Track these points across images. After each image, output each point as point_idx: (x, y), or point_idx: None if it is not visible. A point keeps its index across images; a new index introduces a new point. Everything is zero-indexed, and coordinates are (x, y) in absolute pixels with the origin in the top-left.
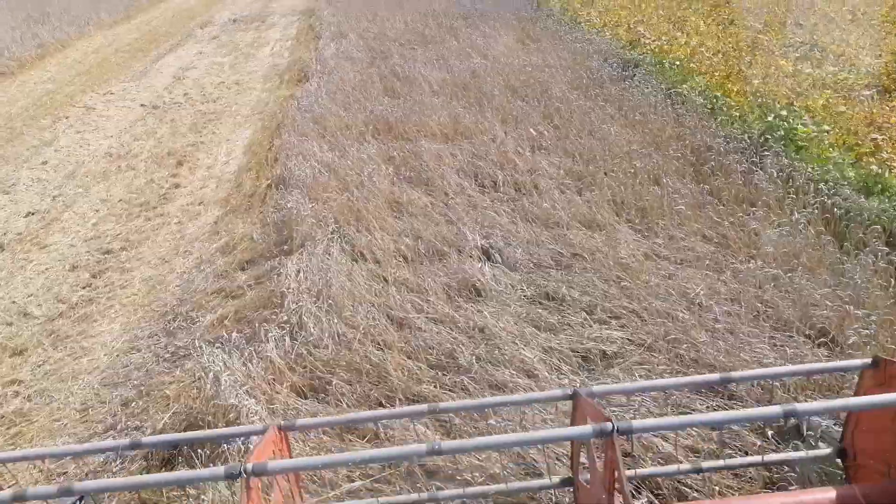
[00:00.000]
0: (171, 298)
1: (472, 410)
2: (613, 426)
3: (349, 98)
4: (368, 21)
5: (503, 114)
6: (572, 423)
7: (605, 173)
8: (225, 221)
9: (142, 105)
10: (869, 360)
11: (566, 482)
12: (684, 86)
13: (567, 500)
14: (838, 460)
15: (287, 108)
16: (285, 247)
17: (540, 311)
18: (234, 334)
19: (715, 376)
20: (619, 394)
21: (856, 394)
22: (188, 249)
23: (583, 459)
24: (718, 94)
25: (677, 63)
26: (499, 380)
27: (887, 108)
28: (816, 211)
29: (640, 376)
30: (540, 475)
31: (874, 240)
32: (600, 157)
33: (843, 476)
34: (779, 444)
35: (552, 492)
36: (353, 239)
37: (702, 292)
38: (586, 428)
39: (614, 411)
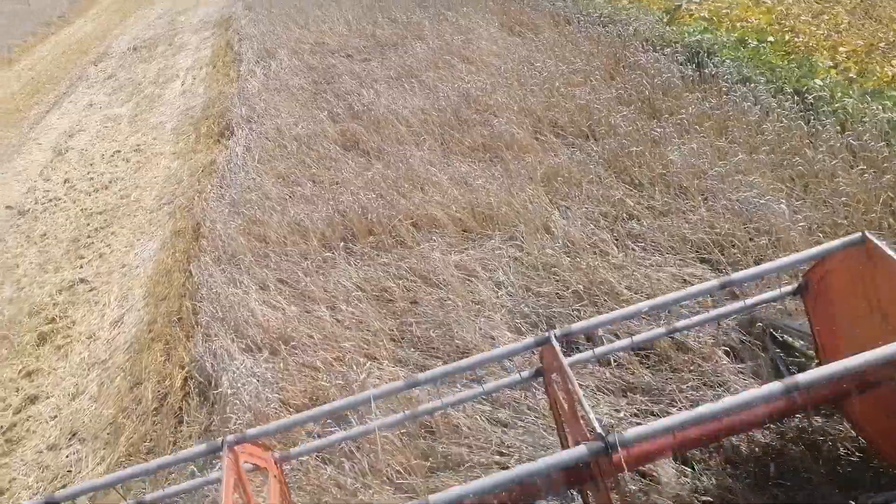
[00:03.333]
0: None
1: (449, 375)
2: (606, 443)
3: (293, 165)
4: (300, 27)
5: (542, 171)
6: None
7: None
8: None
9: (7, 208)
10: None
11: None
12: (815, 82)
13: None
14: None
15: (206, 193)
16: None
17: None
18: None
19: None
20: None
21: None
22: None
23: None
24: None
25: (769, 40)
26: None
27: None
28: None
29: None
30: None
31: None
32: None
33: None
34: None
35: None
36: None
37: None
38: (580, 449)
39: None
